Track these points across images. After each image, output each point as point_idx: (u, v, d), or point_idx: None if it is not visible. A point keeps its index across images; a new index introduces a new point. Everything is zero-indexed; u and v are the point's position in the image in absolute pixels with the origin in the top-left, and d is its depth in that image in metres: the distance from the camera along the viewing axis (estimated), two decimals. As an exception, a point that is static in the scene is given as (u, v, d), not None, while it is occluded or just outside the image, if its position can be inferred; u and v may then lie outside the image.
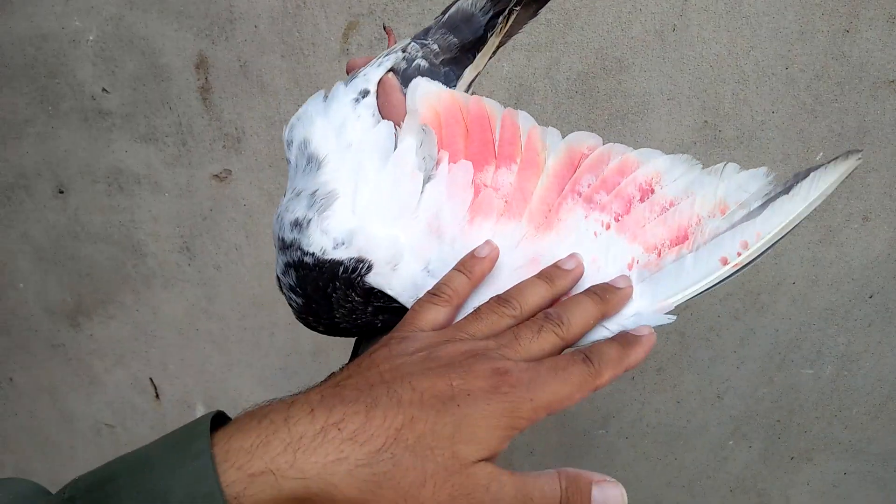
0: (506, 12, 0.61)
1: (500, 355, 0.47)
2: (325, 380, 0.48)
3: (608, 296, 0.53)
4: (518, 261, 0.56)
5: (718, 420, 1.57)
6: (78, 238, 1.50)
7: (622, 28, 1.22)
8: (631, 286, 0.54)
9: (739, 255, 0.53)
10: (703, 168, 0.57)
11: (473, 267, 0.54)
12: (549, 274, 0.55)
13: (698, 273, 0.54)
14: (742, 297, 1.42)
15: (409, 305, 0.56)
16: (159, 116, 1.35)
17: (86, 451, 1.76)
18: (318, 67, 1.27)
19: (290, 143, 0.59)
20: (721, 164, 0.56)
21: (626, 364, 0.48)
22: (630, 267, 0.55)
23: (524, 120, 0.60)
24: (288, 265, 0.57)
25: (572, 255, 0.55)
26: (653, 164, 0.57)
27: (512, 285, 0.55)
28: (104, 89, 1.34)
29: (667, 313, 0.53)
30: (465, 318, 0.53)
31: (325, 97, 0.61)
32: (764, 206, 0.54)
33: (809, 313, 1.43)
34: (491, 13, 0.63)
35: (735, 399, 1.54)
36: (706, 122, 1.27)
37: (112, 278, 1.54)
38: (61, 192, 1.45)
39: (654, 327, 0.52)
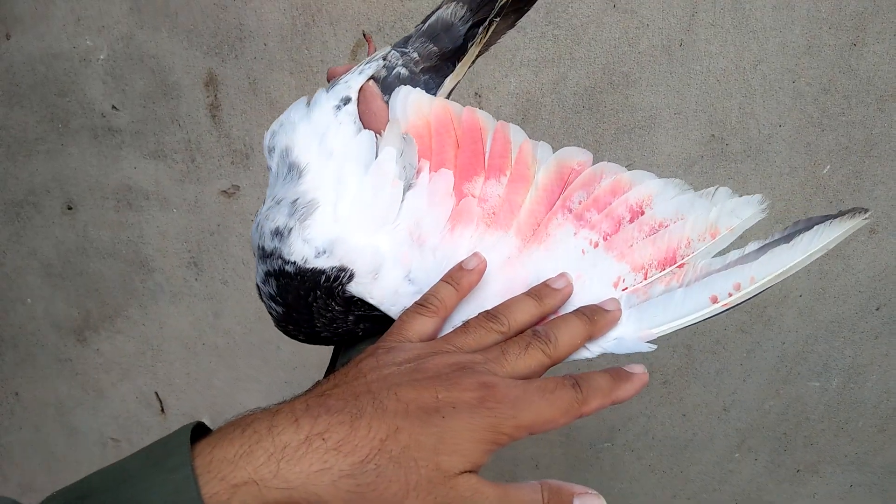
0: (486, 23, 0.62)
1: (487, 370, 0.47)
2: (311, 388, 0.48)
3: (597, 317, 0.53)
4: (505, 274, 0.57)
5: (724, 433, 1.57)
6: (86, 254, 1.50)
7: (629, 43, 1.23)
8: (620, 309, 0.54)
9: (730, 295, 0.53)
10: (694, 192, 0.57)
11: (461, 279, 0.55)
12: (539, 292, 0.55)
13: (687, 307, 0.54)
14: (748, 310, 1.42)
15: (390, 314, 0.56)
16: (168, 133, 1.36)
17: (91, 465, 1.76)
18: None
19: (271, 150, 0.59)
20: (712, 188, 0.56)
21: (613, 398, 0.48)
22: (616, 285, 0.56)
23: (516, 133, 0.60)
24: (268, 274, 0.57)
25: (562, 275, 0.56)
26: (645, 186, 0.57)
27: (498, 298, 0.55)
28: (114, 107, 1.35)
29: (648, 342, 0.53)
30: (452, 331, 0.53)
31: (308, 103, 0.61)
32: (762, 250, 0.54)
33: (816, 326, 1.44)
34: (470, 23, 0.64)
35: (741, 412, 1.54)
36: (713, 135, 1.28)
37: (120, 293, 1.54)
38: (70, 208, 1.46)
39: (654, 342, 0.53)
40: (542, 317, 0.54)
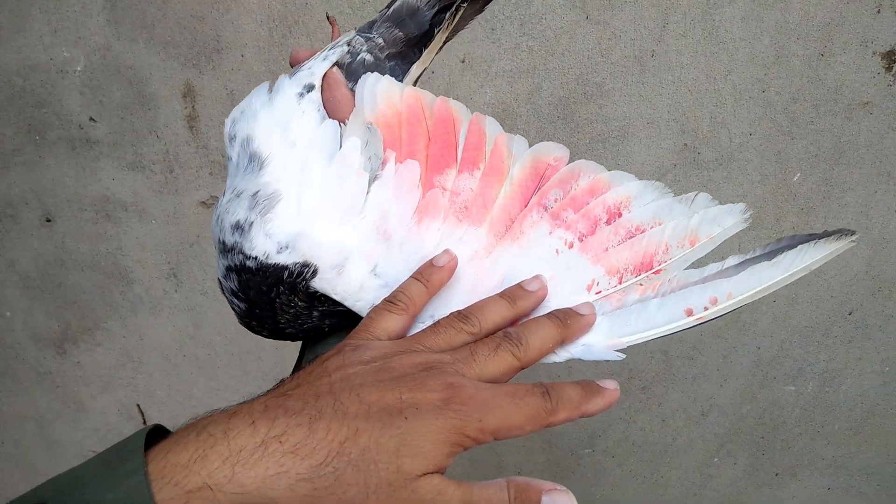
0: (453, 8, 0.60)
1: (455, 370, 0.47)
2: (274, 387, 0.47)
3: (570, 321, 0.52)
4: (476, 270, 0.56)
5: (703, 437, 1.59)
6: (65, 266, 1.50)
7: (602, 54, 1.25)
8: (594, 314, 0.53)
9: (706, 309, 0.52)
10: (674, 196, 0.56)
11: (431, 276, 0.53)
12: (512, 294, 0.54)
13: (660, 318, 0.53)
14: (724, 316, 1.44)
15: (354, 309, 0.55)
16: (146, 144, 1.36)
17: (72, 478, 1.75)
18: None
19: (232, 139, 0.57)
20: (692, 194, 0.55)
21: (582, 410, 0.47)
22: (589, 289, 0.55)
23: (491, 126, 0.58)
24: (229, 269, 0.55)
25: (537, 277, 0.54)
26: (624, 188, 0.56)
27: (467, 294, 0.54)
28: (91, 118, 1.35)
29: (617, 350, 0.52)
30: (422, 330, 0.52)
31: (270, 90, 0.58)
32: (742, 266, 0.53)
33: (790, 331, 1.46)
34: (437, 7, 0.61)
35: (719, 416, 1.56)
36: (685, 144, 1.30)
37: (99, 305, 1.54)
38: (48, 220, 1.46)
39: (623, 352, 0.52)
40: (514, 319, 0.53)
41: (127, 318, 1.55)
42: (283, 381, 0.48)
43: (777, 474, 1.63)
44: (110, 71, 1.31)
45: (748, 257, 0.53)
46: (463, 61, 1.26)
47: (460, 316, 0.52)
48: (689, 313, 0.52)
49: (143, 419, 1.68)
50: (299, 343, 0.63)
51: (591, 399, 0.48)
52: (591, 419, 1.55)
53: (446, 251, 0.54)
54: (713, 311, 0.52)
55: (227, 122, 0.58)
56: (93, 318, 1.56)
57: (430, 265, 0.54)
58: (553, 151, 0.58)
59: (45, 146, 1.39)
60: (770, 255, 0.52)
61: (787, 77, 1.25)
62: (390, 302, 0.53)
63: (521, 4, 1.22)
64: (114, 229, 1.45)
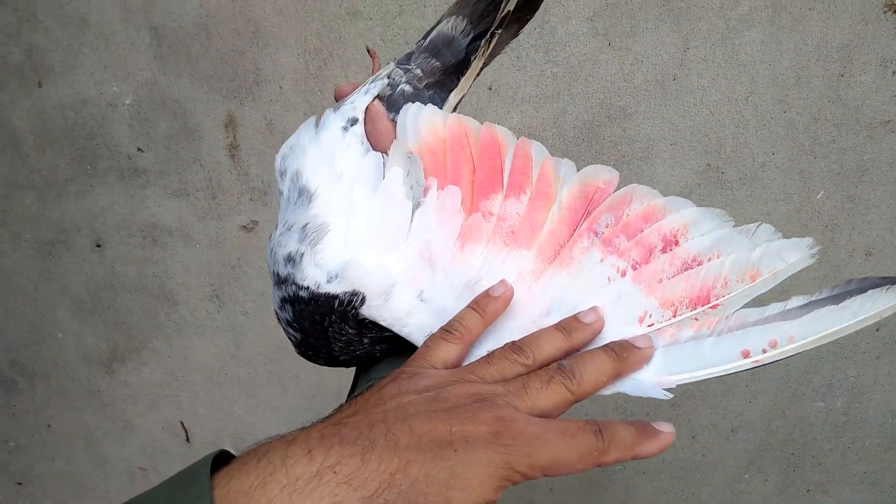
0: (488, 35, 0.60)
1: (507, 402, 0.46)
2: (331, 414, 0.47)
3: (626, 354, 0.50)
4: (525, 296, 0.54)
5: (733, 454, 1.60)
6: (114, 289, 1.57)
7: (625, 79, 1.29)
8: (652, 347, 0.50)
9: (765, 352, 0.49)
10: (734, 226, 0.52)
11: (487, 306, 0.53)
12: (568, 326, 0.52)
13: (715, 358, 0.49)
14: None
15: (401, 334, 0.56)
16: (191, 173, 1.44)
17: (119, 494, 1.81)
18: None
19: (282, 174, 0.59)
20: (754, 225, 0.51)
21: (635, 453, 0.46)
22: (641, 321, 0.52)
23: (538, 150, 0.57)
24: (284, 300, 0.57)
25: (593, 309, 0.53)
26: (681, 215, 0.53)
27: (516, 319, 0.54)
28: (139, 149, 1.43)
29: (666, 388, 0.49)
30: (476, 360, 0.51)
31: (316, 125, 0.60)
32: (807, 308, 0.49)
33: (818, 347, 1.46)
34: (472, 35, 0.63)
35: (749, 433, 1.57)
36: (709, 164, 1.33)
37: (146, 326, 1.61)
38: (99, 245, 1.53)
39: (671, 391, 0.49)
40: (569, 351, 0.51)
41: (172, 339, 1.62)
42: (340, 406, 0.49)
43: (808, 491, 1.63)
44: (157, 104, 1.39)
45: (813, 299, 0.49)
46: (490, 88, 1.31)
47: (514, 347, 0.51)
48: (746, 355, 0.49)
49: (187, 436, 1.74)
50: (321, 363, 0.64)
51: (646, 442, 0.46)
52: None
53: (502, 282, 0.54)
54: (772, 355, 0.49)
55: (278, 158, 0.60)
56: (140, 338, 1.63)
57: (486, 295, 0.54)
58: (602, 174, 0.55)
59: (95, 176, 1.46)
60: (837, 299, 0.49)
61: (807, 97, 1.27)
62: (446, 331, 0.53)
63: (545, 33, 1.27)
64: (160, 254, 1.52)
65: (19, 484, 1.84)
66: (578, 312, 0.53)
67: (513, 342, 0.51)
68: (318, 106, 1.34)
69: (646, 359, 0.50)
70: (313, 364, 0.63)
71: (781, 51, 1.24)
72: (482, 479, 0.42)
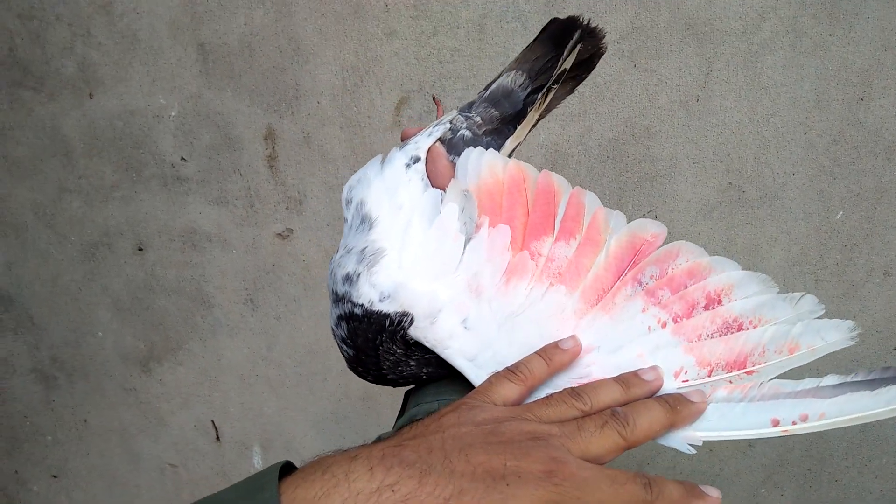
0: (544, 89, 0.64)
1: (561, 444, 0.47)
2: (393, 435, 0.49)
3: (680, 407, 0.51)
4: (564, 332, 0.57)
5: (750, 468, 1.62)
6: (153, 291, 1.64)
7: (649, 99, 1.33)
8: (705, 403, 0.51)
9: (794, 424, 0.49)
10: (778, 292, 0.53)
11: (554, 356, 0.54)
12: (628, 380, 0.53)
13: (745, 423, 0.51)
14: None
15: (443, 356, 0.58)
16: (230, 182, 1.50)
17: (150, 489, 1.86)
18: (373, 137, 1.40)
19: (348, 203, 0.64)
20: (798, 294, 0.52)
21: None
22: (676, 375, 0.54)
23: (591, 200, 0.59)
24: (340, 318, 0.61)
25: (654, 368, 0.54)
26: (727, 276, 0.55)
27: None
28: (183, 158, 1.49)
29: (690, 444, 0.51)
30: (535, 401, 0.53)
31: (382, 161, 0.65)
32: (840, 388, 0.50)
33: (835, 364, 1.48)
34: (530, 89, 0.67)
35: (766, 448, 1.59)
36: (730, 183, 1.36)
37: (182, 328, 1.67)
38: (140, 249, 1.60)
39: (695, 447, 0.50)
40: (625, 403, 0.52)
41: (207, 340, 1.67)
42: (401, 429, 0.50)
43: (826, 506, 1.65)
44: (201, 116, 1.45)
45: (847, 380, 0.50)
46: (519, 106, 1.36)
47: (573, 394, 0.52)
48: (776, 423, 0.50)
49: (217, 435, 1.79)
50: (370, 380, 0.67)
51: (692, 502, 0.47)
52: (639, 448, 1.60)
53: (572, 336, 0.56)
54: (801, 428, 0.50)
55: (345, 188, 0.65)
56: (176, 339, 1.68)
57: (555, 346, 0.55)
58: (650, 228, 0.57)
59: (140, 183, 1.53)
60: (872, 385, 0.49)
61: (828, 120, 1.31)
62: (511, 372, 0.54)
63: (573, 54, 1.31)
64: (198, 258, 1.58)
65: (54, 477, 1.89)
66: (639, 370, 0.54)
67: (572, 388, 0.53)
68: (353, 120, 1.40)
69: (699, 413, 0.51)
70: (337, 368, 0.66)
71: (802, 75, 1.28)
72: None
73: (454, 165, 0.64)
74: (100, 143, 1.51)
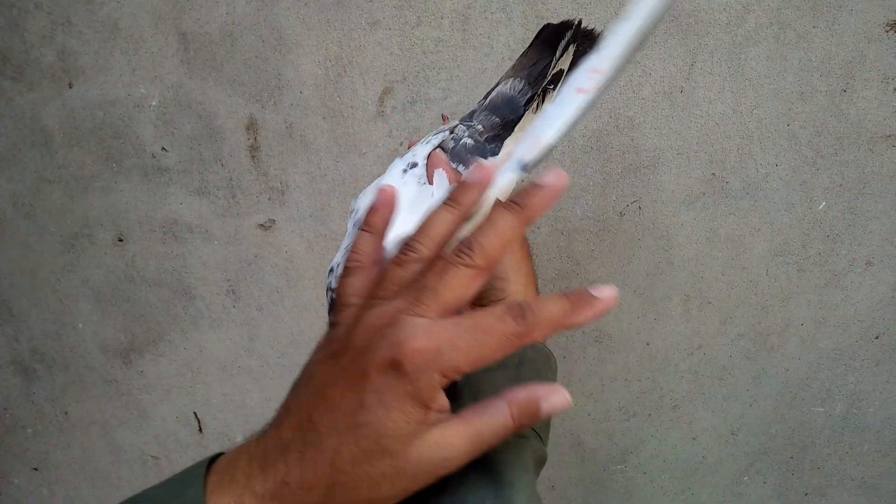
0: (540, 91, 0.67)
1: (411, 316, 0.43)
2: (281, 408, 0.49)
3: (525, 199, 0.47)
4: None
5: (733, 456, 1.64)
6: (134, 282, 1.62)
7: (633, 90, 1.33)
8: (562, 179, 0.49)
9: (592, 78, 0.54)
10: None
11: (368, 218, 0.55)
12: (451, 196, 0.51)
13: (563, 109, 0.55)
14: (753, 338, 1.50)
15: None
16: (212, 172, 1.48)
17: (132, 481, 1.85)
18: (356, 128, 1.39)
19: (351, 213, 0.66)
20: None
21: (567, 325, 0.44)
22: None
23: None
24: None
25: (478, 165, 0.51)
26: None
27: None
28: (163, 148, 1.48)
29: (529, 157, 0.54)
30: (375, 279, 0.49)
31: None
32: (597, 46, 0.55)
33: (818, 353, 1.51)
34: (529, 95, 0.69)
35: (749, 436, 1.61)
36: (714, 174, 1.37)
37: (163, 319, 1.66)
38: (121, 240, 1.58)
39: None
40: (462, 220, 0.50)
41: (188, 332, 1.67)
42: (277, 413, 0.50)
43: (807, 494, 1.66)
44: (182, 106, 1.44)
45: (607, 27, 0.55)
46: (503, 97, 1.35)
47: (404, 247, 0.49)
48: (581, 91, 0.55)
49: (199, 426, 1.79)
50: None
51: (580, 311, 0.44)
52: (624, 436, 1.62)
53: (381, 188, 0.60)
54: (599, 78, 0.55)
55: (352, 203, 0.67)
56: (157, 330, 1.67)
57: (370, 210, 0.58)
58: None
59: (120, 173, 1.51)
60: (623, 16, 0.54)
61: (810, 112, 1.31)
62: (346, 267, 0.52)
63: (557, 44, 1.31)
64: (179, 249, 1.57)
65: (35, 469, 1.88)
66: (464, 175, 0.55)
67: (401, 241, 0.50)
68: (336, 111, 1.39)
69: (554, 191, 0.48)
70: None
71: (786, 66, 1.28)
72: (406, 424, 0.41)
73: (458, 172, 0.68)
74: (80, 133, 1.49)
